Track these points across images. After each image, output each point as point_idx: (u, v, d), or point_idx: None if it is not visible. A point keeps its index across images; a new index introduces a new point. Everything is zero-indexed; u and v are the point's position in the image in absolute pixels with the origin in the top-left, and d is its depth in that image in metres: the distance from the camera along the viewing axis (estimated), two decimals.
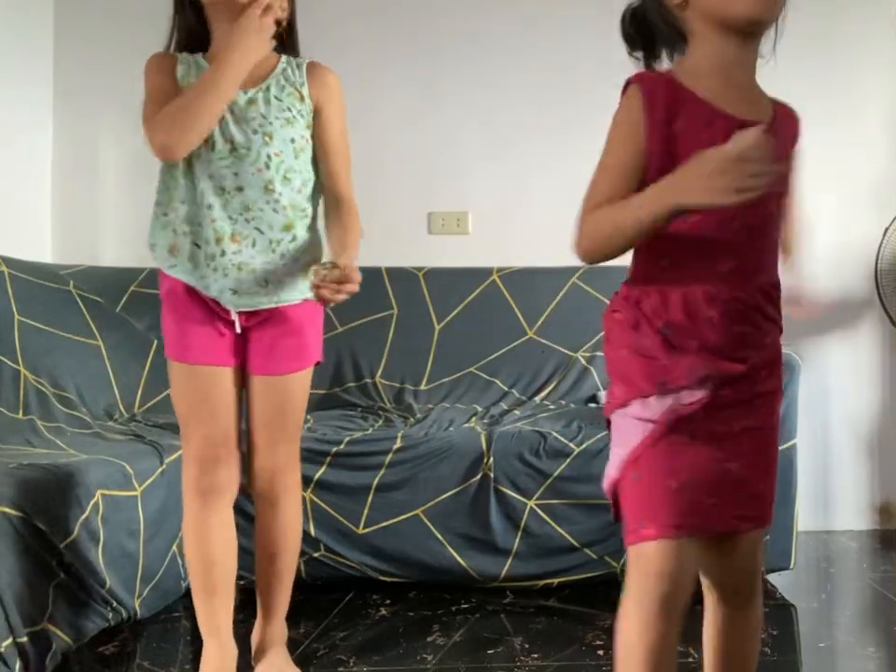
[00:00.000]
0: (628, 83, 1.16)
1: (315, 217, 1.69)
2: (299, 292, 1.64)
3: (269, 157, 1.59)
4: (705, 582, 1.25)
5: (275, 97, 1.62)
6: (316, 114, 1.67)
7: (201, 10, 1.64)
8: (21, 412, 2.40)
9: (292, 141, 1.63)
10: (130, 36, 3.14)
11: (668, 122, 1.12)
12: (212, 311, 1.62)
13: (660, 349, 1.12)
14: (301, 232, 1.64)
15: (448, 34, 3.13)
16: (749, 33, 1.16)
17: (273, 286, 1.61)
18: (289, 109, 1.63)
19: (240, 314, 1.62)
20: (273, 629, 1.75)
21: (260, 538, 1.73)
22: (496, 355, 2.83)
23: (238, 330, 1.62)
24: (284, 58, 1.68)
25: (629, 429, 1.14)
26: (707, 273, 1.13)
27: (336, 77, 1.70)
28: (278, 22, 1.66)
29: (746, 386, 1.14)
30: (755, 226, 1.15)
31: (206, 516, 1.64)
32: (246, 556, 2.11)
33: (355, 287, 1.50)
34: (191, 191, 1.59)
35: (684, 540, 1.11)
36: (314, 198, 1.69)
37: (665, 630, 1.10)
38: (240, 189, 1.59)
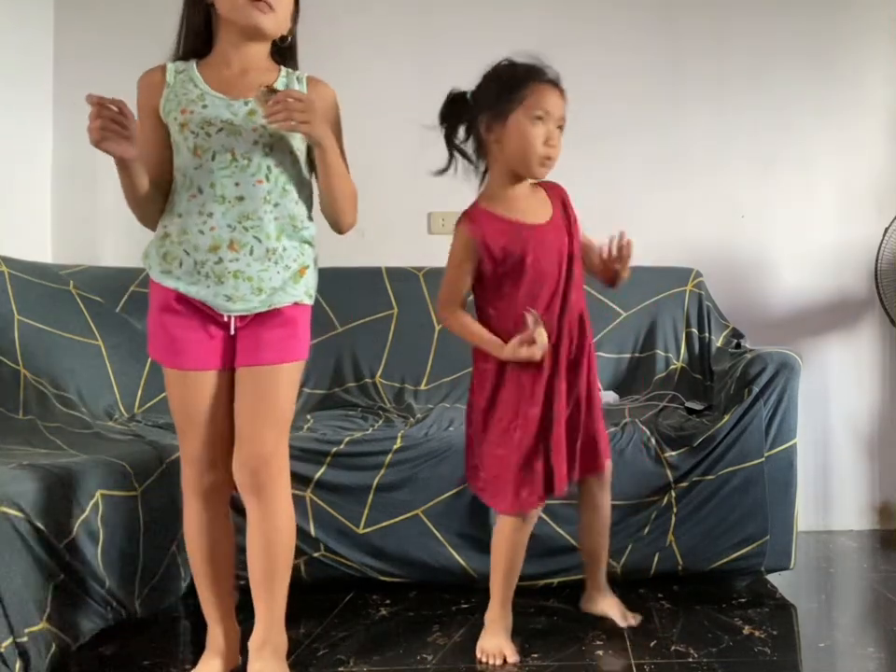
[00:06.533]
0: (459, 220, 1.88)
1: (308, 227, 1.71)
2: (290, 296, 1.66)
3: (269, 168, 1.63)
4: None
5: None
6: None
7: (209, 15, 1.66)
8: (21, 412, 2.40)
9: (290, 152, 1.66)
10: (129, 37, 3.14)
11: (495, 235, 1.80)
12: (204, 315, 1.64)
13: None
14: (293, 242, 1.67)
15: (448, 32, 3.13)
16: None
17: (265, 293, 1.63)
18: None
19: (234, 317, 1.65)
20: (269, 634, 1.70)
21: (250, 534, 1.69)
22: None
23: (232, 332, 1.65)
24: (284, 70, 1.71)
25: None
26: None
27: (334, 92, 1.73)
28: (282, 38, 1.71)
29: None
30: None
31: (207, 514, 1.71)
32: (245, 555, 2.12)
33: (302, 104, 1.53)
34: (190, 202, 1.63)
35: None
36: (309, 207, 1.73)
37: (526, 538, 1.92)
38: (240, 198, 1.61)
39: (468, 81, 3.10)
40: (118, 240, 3.15)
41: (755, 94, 3.11)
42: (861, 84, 3.13)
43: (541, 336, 1.78)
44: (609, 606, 2.09)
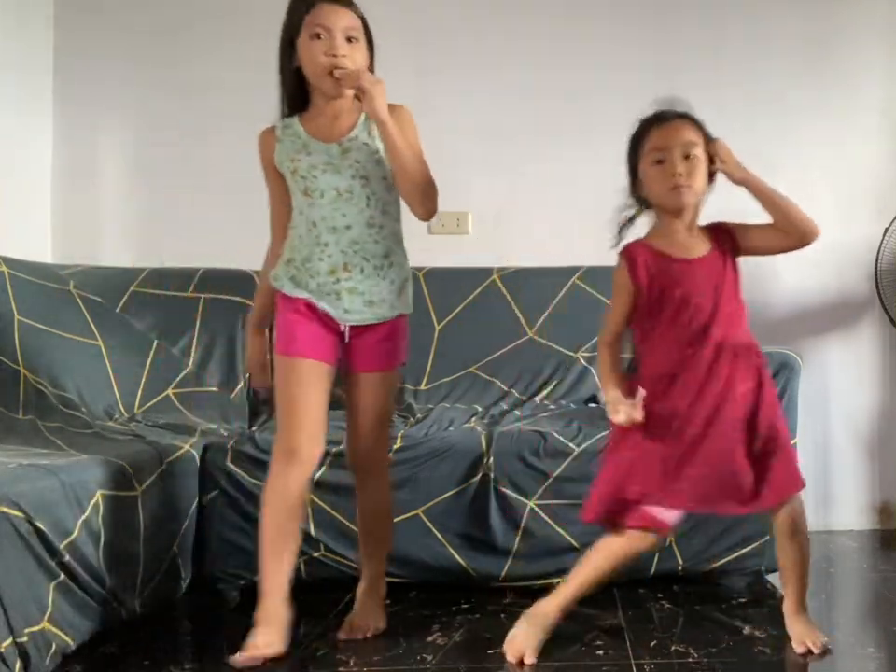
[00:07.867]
0: (620, 253, 1.92)
1: (403, 240, 1.97)
2: (396, 310, 1.94)
3: (368, 197, 1.88)
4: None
5: (364, 143, 1.88)
6: None
7: (301, 75, 1.88)
8: (20, 412, 2.40)
9: (384, 178, 1.89)
10: (129, 40, 3.14)
11: (647, 269, 1.87)
12: (324, 322, 1.90)
13: None
14: (397, 258, 1.94)
15: (448, 34, 3.14)
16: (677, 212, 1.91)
17: (376, 305, 1.91)
18: (377, 151, 1.88)
19: (349, 327, 1.91)
20: (371, 582, 2.06)
21: (360, 503, 2.06)
22: (496, 355, 2.83)
23: (346, 340, 1.91)
24: (364, 113, 1.91)
25: None
26: None
27: (407, 110, 1.94)
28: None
29: None
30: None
31: (286, 481, 1.86)
32: (248, 556, 2.12)
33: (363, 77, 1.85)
34: (308, 234, 1.89)
35: None
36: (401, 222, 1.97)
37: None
38: (349, 227, 1.88)
39: (467, 81, 3.13)
40: (117, 240, 3.15)
41: (753, 93, 3.11)
42: (859, 83, 3.13)
43: (630, 413, 1.80)
44: (793, 631, 1.93)
